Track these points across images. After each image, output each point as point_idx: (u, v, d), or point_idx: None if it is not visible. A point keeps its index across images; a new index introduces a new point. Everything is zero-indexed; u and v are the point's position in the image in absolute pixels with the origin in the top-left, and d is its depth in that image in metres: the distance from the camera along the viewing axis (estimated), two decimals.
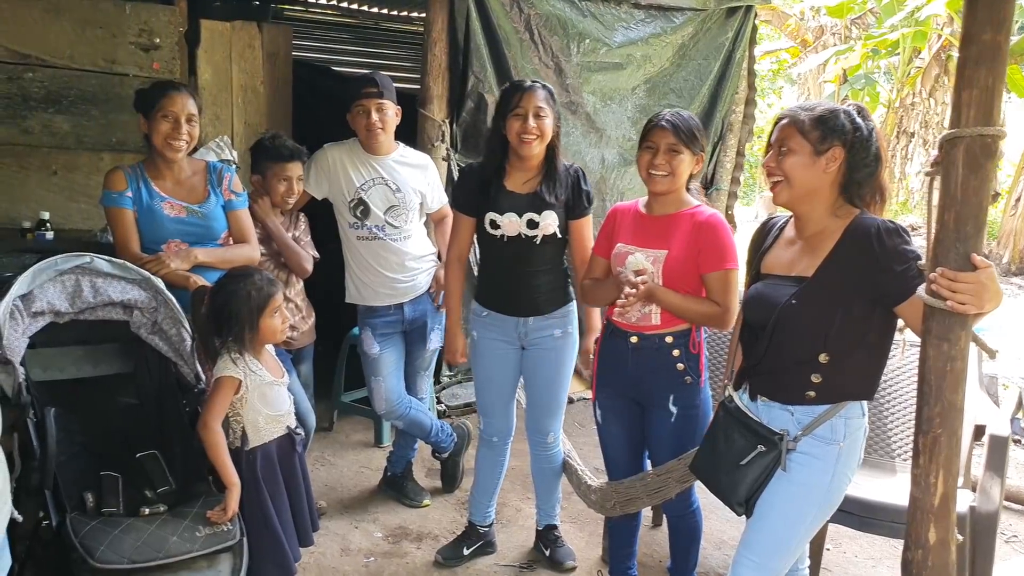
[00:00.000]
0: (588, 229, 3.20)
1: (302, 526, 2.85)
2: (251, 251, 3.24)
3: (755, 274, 2.41)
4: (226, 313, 2.68)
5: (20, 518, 1.91)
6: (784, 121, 2.27)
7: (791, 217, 2.39)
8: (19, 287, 2.56)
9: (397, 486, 4.02)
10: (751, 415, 2.33)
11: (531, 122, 3.01)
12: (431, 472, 4.25)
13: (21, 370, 2.50)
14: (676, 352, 2.77)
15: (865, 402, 2.26)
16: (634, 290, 2.63)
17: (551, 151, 3.11)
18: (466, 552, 3.47)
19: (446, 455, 4.07)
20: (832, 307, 2.16)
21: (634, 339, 2.81)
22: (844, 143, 2.20)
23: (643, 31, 5.22)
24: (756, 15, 5.73)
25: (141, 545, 2.34)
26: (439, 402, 4.90)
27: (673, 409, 2.78)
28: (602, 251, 2.95)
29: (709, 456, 2.43)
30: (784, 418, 2.27)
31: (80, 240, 4.04)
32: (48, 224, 4.14)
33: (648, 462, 3.01)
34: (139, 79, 4.51)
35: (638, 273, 2.70)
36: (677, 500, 2.86)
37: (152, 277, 2.79)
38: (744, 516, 2.36)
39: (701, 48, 5.46)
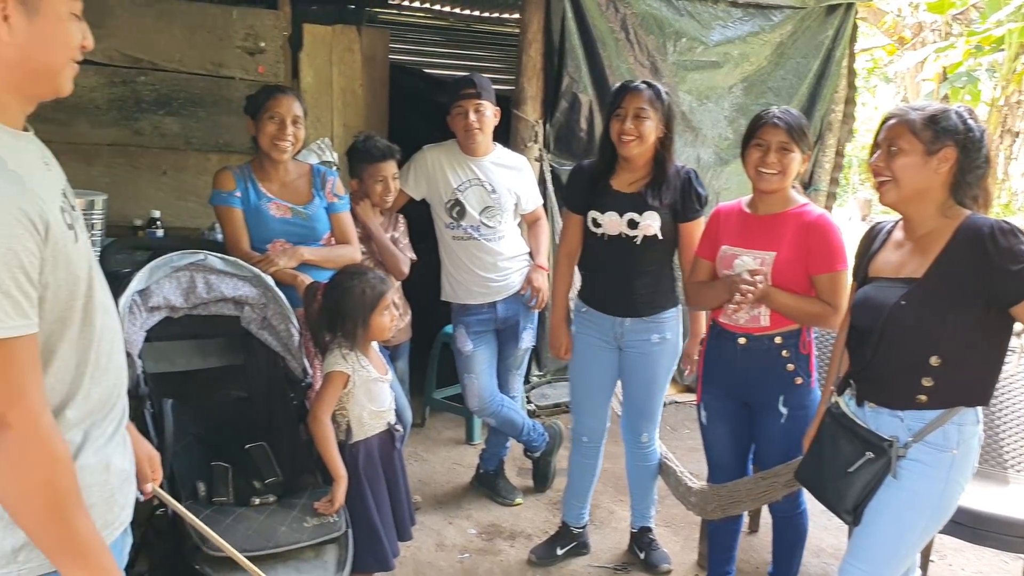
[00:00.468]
0: (699, 232, 3.10)
1: (400, 520, 2.90)
2: (353, 252, 3.30)
3: (863, 278, 2.36)
4: (339, 309, 2.74)
5: (142, 496, 1.99)
6: (893, 121, 2.22)
7: (899, 220, 2.33)
8: (137, 283, 2.64)
9: (489, 484, 4.06)
10: (858, 421, 2.28)
11: (628, 124, 2.99)
12: (522, 471, 4.27)
13: (139, 362, 2.60)
14: (786, 352, 2.74)
15: (980, 408, 2.20)
16: (751, 291, 2.60)
17: (660, 152, 3.07)
18: (559, 552, 3.47)
19: (538, 454, 4.09)
20: (943, 308, 2.11)
21: (742, 340, 2.78)
22: (956, 143, 2.14)
23: (741, 29, 5.15)
24: (856, 12, 5.60)
25: (252, 534, 2.41)
26: (529, 401, 4.92)
27: (783, 410, 2.74)
28: (705, 253, 2.92)
29: (815, 463, 2.38)
30: (893, 424, 2.21)
31: (188, 238, 4.18)
32: (158, 222, 4.29)
33: (751, 466, 2.98)
34: (245, 82, 4.65)
35: (753, 274, 2.67)
36: (784, 501, 2.83)
37: (262, 274, 2.87)
38: (851, 524, 2.32)
39: (800, 46, 5.36)
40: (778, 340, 2.75)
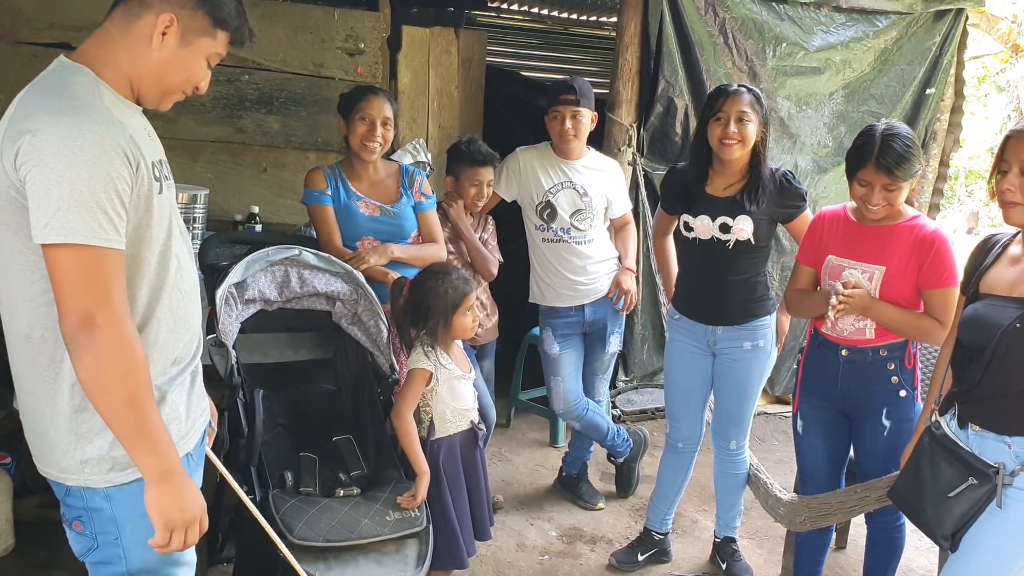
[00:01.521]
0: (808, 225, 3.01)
1: (479, 520, 2.92)
2: (440, 250, 3.34)
3: (973, 293, 2.25)
4: (423, 307, 2.78)
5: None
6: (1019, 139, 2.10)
7: (1017, 234, 2.22)
8: (234, 275, 2.72)
9: (572, 487, 4.05)
10: (961, 444, 2.19)
11: (732, 127, 2.95)
12: (605, 476, 4.25)
13: (233, 353, 2.67)
14: (891, 366, 2.67)
15: None
16: (843, 305, 2.55)
17: (756, 156, 3.02)
18: (640, 558, 3.45)
19: (622, 460, 4.06)
20: None
21: (844, 352, 2.72)
22: None
23: (843, 35, 5.02)
24: (967, 18, 5.39)
25: (335, 525, 2.46)
26: (614, 407, 4.89)
27: (886, 423, 2.68)
28: (808, 260, 2.86)
29: (913, 484, 2.30)
30: (1000, 450, 2.12)
31: (285, 233, 4.27)
32: (257, 217, 4.41)
33: (844, 480, 2.91)
34: (344, 82, 4.73)
35: (846, 285, 2.61)
36: (884, 512, 2.75)
37: (354, 271, 2.92)
38: (948, 550, 2.23)
39: (905, 53, 5.19)
40: (883, 353, 2.68)
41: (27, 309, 1.62)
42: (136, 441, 1.58)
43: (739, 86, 3.05)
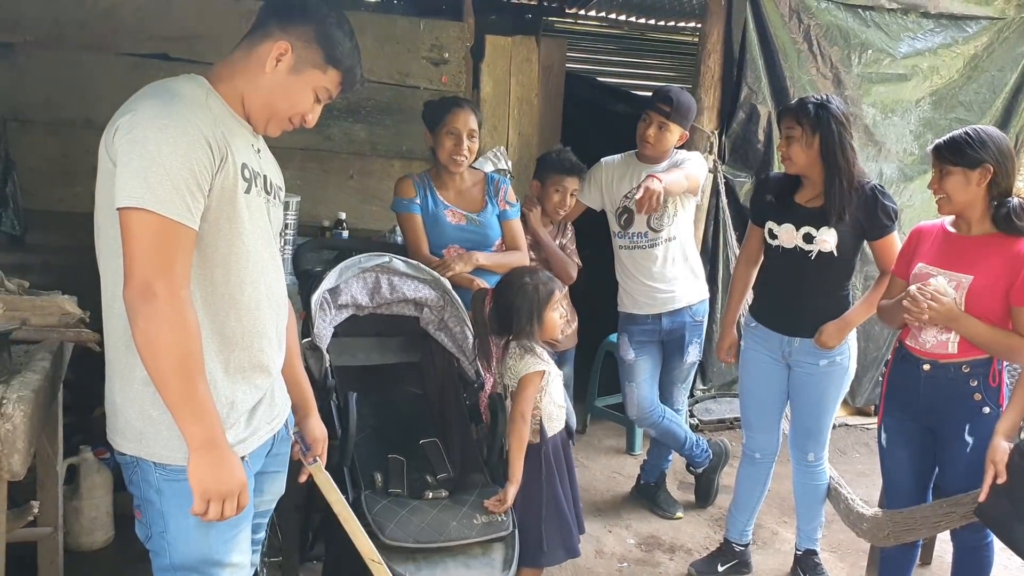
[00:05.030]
0: (892, 248, 3.00)
1: (576, 516, 2.96)
2: (522, 257, 3.40)
3: None
4: (513, 307, 2.82)
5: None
6: None
7: None
8: (328, 282, 2.81)
9: (650, 495, 4.06)
10: None
11: (783, 145, 3.03)
12: (683, 485, 4.24)
13: (327, 357, 2.76)
14: (973, 383, 2.62)
15: None
16: (923, 312, 2.52)
17: (830, 168, 2.97)
18: (720, 569, 3.44)
19: (701, 470, 4.05)
20: None
21: (927, 367, 2.68)
22: None
23: (931, 41, 4.92)
24: None
25: (425, 527, 2.51)
26: (692, 416, 4.88)
27: (969, 440, 2.62)
28: (901, 272, 2.83)
29: (1003, 502, 2.27)
30: None
31: (371, 239, 4.37)
32: (344, 223, 4.50)
33: (930, 494, 2.87)
34: (428, 91, 4.82)
35: (926, 295, 2.57)
36: (970, 530, 2.69)
37: (441, 278, 2.99)
38: None
39: (996, 59, 5.06)
40: (965, 369, 2.63)
41: (113, 279, 1.71)
42: (182, 409, 1.65)
43: (800, 101, 3.06)
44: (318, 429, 2.23)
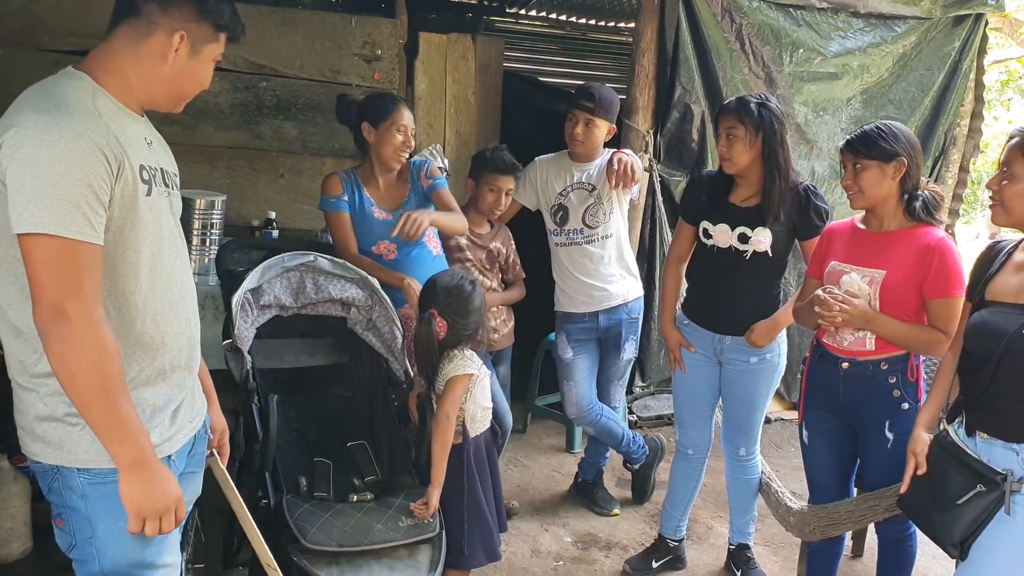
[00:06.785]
0: None
1: (499, 517, 2.92)
2: (463, 217, 3.34)
3: (979, 300, 2.24)
4: (472, 320, 2.79)
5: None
6: (1013, 142, 2.12)
7: (1021, 240, 2.22)
8: (250, 281, 2.74)
9: (587, 493, 4.05)
10: (969, 452, 2.18)
11: (722, 144, 3.00)
12: (621, 482, 4.24)
13: (249, 358, 2.69)
14: (892, 379, 2.64)
15: None
16: (834, 315, 2.54)
17: (769, 169, 2.98)
18: (655, 565, 3.44)
19: (637, 466, 4.05)
20: None
21: (845, 365, 2.69)
22: None
23: (861, 40, 4.99)
24: (987, 23, 5.36)
25: (349, 530, 2.47)
26: (631, 412, 4.89)
27: (889, 435, 2.64)
28: (815, 272, 2.84)
29: (922, 493, 2.29)
30: (1008, 457, 2.11)
31: (302, 239, 4.30)
32: (274, 223, 4.42)
33: (854, 488, 2.89)
34: (361, 88, 4.76)
35: (835, 298, 2.58)
36: (892, 523, 2.72)
37: (369, 277, 2.93)
38: (957, 558, 2.22)
39: (924, 58, 5.16)
40: (884, 366, 2.64)
41: (16, 303, 1.65)
42: (107, 430, 1.62)
43: (734, 100, 3.05)
44: (219, 421, 2.17)
